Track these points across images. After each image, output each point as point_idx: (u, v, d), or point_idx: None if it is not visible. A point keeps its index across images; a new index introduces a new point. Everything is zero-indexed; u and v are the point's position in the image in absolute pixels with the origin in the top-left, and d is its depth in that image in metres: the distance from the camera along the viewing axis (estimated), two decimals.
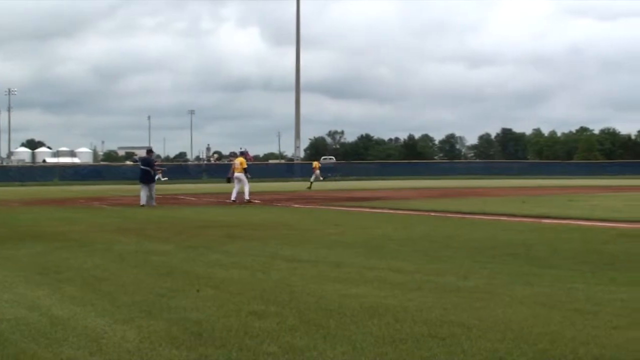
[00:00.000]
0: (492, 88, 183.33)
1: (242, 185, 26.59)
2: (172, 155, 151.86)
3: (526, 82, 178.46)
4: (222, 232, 14.25)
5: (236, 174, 26.79)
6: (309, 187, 42.37)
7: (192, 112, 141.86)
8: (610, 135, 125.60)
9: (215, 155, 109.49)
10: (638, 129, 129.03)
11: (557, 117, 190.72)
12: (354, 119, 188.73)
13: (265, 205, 24.97)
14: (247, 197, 26.19)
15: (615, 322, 5.68)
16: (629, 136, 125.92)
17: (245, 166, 26.76)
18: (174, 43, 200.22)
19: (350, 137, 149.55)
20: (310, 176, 45.53)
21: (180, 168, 75.41)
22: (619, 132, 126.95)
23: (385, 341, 5.16)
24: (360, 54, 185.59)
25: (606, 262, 9.22)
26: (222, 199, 28.43)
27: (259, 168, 58.83)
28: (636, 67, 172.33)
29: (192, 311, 6.30)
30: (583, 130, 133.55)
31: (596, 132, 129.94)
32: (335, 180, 57.11)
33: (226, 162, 64.24)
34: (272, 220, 17.62)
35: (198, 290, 7.33)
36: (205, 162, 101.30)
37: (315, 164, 48.39)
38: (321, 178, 46.67)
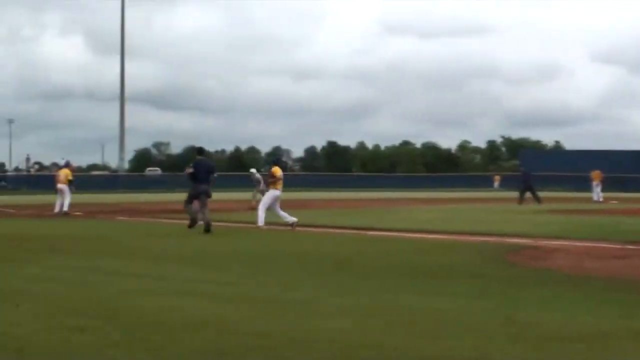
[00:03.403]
0: (317, 102, 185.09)
1: (63, 197, 25.63)
2: None
3: (350, 96, 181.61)
4: (42, 245, 13.73)
5: (59, 186, 25.81)
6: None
7: (10, 121, 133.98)
8: (431, 149, 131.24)
9: (36, 166, 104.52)
10: (457, 144, 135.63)
11: (381, 131, 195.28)
12: (181, 131, 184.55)
13: (89, 218, 24.22)
14: (65, 208, 25.26)
15: (435, 332, 5.86)
16: (449, 150, 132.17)
17: (71, 178, 25.90)
18: None
19: (176, 148, 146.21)
20: None
21: None
22: (440, 146, 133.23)
23: (209, 354, 5.18)
24: (186, 65, 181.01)
25: (423, 273, 9.68)
26: (43, 211, 27.24)
27: (81, 179, 56.62)
28: (455, 85, 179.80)
29: (12, 326, 6.05)
30: (405, 144, 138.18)
31: (418, 146, 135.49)
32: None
33: (48, 174, 61.44)
34: (95, 233, 17.17)
35: (18, 305, 7.05)
36: (25, 172, 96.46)
37: None
38: None
